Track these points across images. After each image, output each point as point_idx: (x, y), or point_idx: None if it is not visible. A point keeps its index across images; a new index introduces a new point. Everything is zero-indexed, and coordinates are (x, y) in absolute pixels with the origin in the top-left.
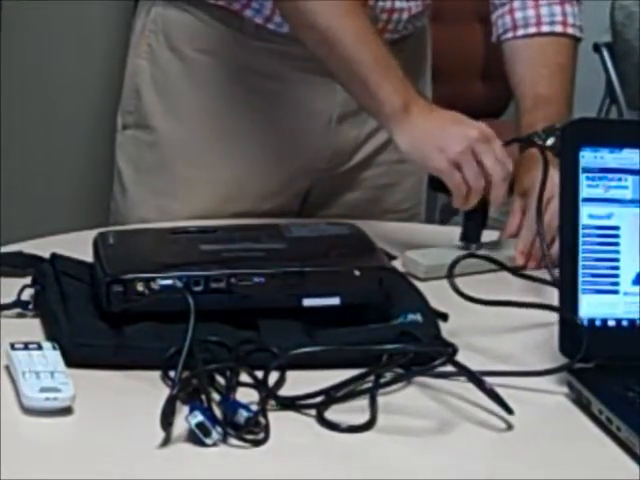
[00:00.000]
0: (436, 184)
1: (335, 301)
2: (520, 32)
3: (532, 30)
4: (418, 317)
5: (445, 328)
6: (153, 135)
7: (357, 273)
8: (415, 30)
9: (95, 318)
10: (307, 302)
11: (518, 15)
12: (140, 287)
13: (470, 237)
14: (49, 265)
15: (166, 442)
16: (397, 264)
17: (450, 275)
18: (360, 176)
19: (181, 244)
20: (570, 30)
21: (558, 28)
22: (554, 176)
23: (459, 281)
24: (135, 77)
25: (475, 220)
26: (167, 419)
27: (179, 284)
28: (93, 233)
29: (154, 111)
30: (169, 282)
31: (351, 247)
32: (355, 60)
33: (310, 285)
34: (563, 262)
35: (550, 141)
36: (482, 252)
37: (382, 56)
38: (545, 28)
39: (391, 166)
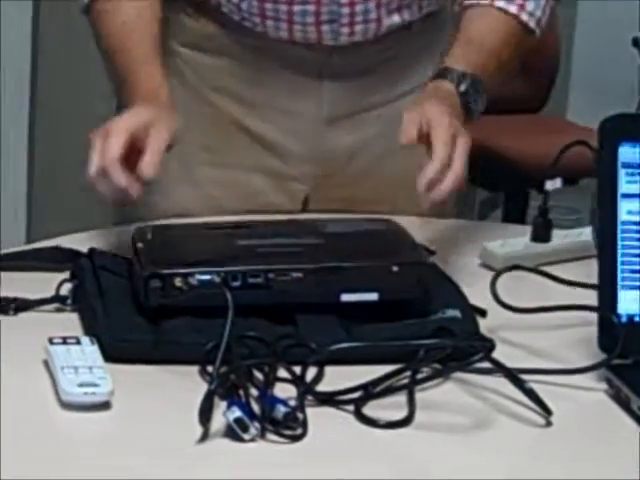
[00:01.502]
0: (473, 177)
1: (373, 297)
2: (474, 0)
3: (485, 1)
4: (457, 313)
5: (484, 324)
6: None
7: (395, 269)
8: (440, 8)
9: (133, 313)
10: (345, 297)
11: None
12: (178, 282)
13: (541, 238)
14: (87, 260)
15: (204, 438)
16: (474, 256)
17: (494, 280)
18: (365, 183)
19: (218, 239)
20: (524, 17)
21: (513, 9)
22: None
23: (512, 274)
24: None
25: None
26: (205, 415)
27: (217, 279)
28: (130, 228)
29: None
30: (207, 277)
31: (390, 242)
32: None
33: (348, 280)
34: (602, 258)
35: (463, 86)
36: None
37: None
38: (500, 3)
39: (397, 172)
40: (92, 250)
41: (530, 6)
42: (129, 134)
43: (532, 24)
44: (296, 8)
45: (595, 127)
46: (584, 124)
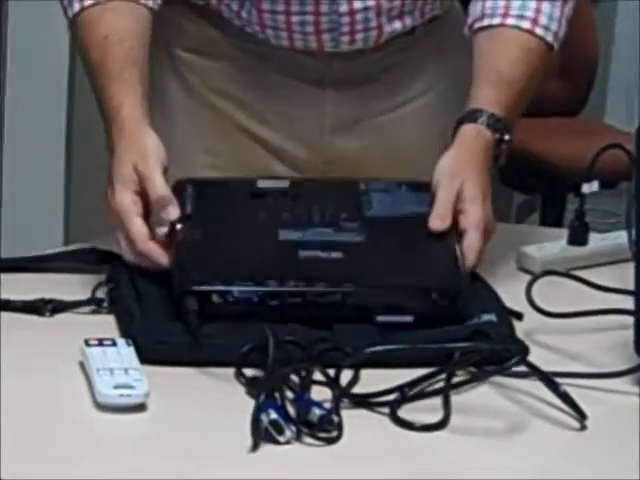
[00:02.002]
0: (510, 180)
1: (408, 319)
2: (485, 22)
3: (497, 21)
4: (492, 317)
5: (520, 327)
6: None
7: (435, 296)
8: (444, 12)
9: (169, 316)
10: (380, 319)
11: (488, 4)
12: (215, 298)
13: (578, 241)
14: (124, 261)
15: (255, 448)
16: (510, 260)
17: (530, 284)
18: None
19: (259, 230)
20: (539, 31)
21: (525, 24)
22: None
23: (547, 278)
24: None
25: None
26: (257, 425)
27: (255, 299)
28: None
29: None
30: (245, 296)
31: (431, 246)
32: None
33: (385, 303)
34: (638, 261)
35: (507, 136)
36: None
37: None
38: (511, 21)
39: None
40: None
41: (543, 20)
42: (138, 206)
43: (549, 38)
44: (294, 18)
45: (633, 130)
46: (622, 127)
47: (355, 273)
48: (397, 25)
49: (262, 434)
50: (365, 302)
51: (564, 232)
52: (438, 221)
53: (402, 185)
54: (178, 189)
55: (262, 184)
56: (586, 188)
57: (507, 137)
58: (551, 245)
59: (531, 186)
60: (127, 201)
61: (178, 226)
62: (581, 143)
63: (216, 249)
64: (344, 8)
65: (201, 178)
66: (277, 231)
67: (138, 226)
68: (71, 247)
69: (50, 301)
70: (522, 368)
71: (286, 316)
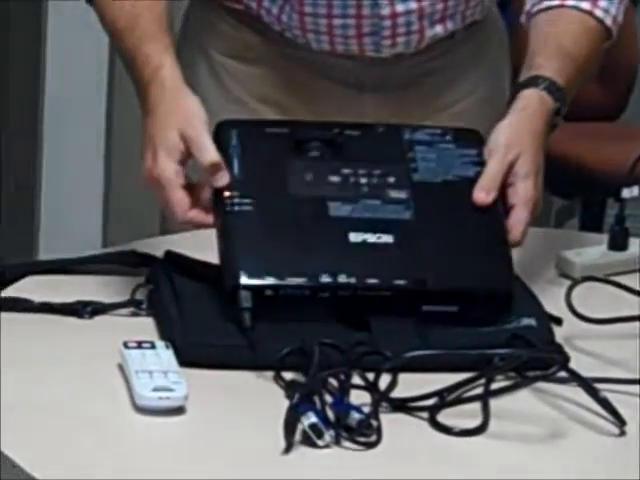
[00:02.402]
0: (549, 185)
1: (453, 309)
2: (544, 4)
3: (556, 2)
4: (532, 321)
5: (559, 333)
6: None
7: (483, 297)
8: (483, 17)
9: (209, 316)
10: (426, 308)
11: None
12: (268, 292)
13: (618, 246)
14: (163, 264)
15: (288, 449)
16: (550, 264)
17: (569, 290)
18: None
19: (309, 201)
20: (598, 13)
21: (585, 5)
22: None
23: (587, 283)
24: None
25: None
26: (290, 428)
27: (307, 292)
28: (207, 232)
29: None
30: (297, 291)
31: (480, 230)
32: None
33: (432, 296)
34: None
35: (557, 103)
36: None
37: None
38: (570, 1)
39: None
40: (168, 253)
41: (603, 3)
42: (180, 177)
43: (608, 22)
44: (336, 22)
45: None
46: None
47: (405, 264)
48: (438, 29)
49: (294, 437)
50: (414, 295)
51: (604, 237)
52: (483, 194)
53: (447, 134)
54: (221, 133)
55: (305, 132)
56: (626, 193)
57: (565, 109)
58: (591, 250)
59: (570, 191)
60: (170, 172)
61: (226, 193)
62: (621, 148)
63: (265, 228)
64: (386, 11)
65: (243, 120)
66: (327, 204)
67: (179, 198)
68: (110, 249)
69: (89, 303)
70: (562, 374)
71: (335, 307)
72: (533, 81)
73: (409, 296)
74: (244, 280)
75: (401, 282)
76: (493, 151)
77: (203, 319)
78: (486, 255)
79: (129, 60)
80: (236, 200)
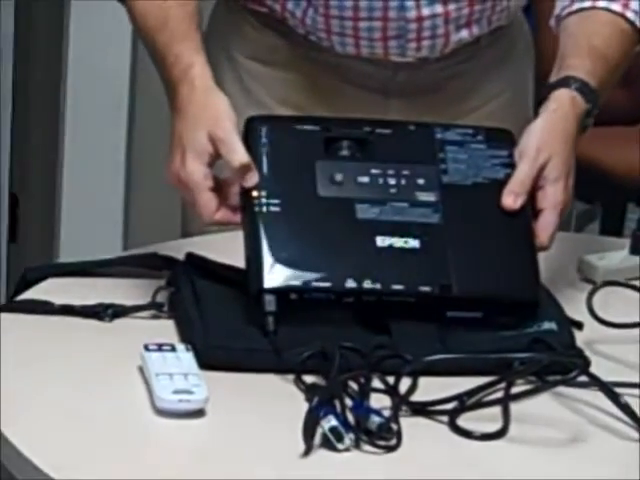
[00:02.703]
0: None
1: (477, 315)
2: (575, 6)
3: (587, 3)
4: (553, 325)
5: (580, 337)
6: None
7: (506, 301)
8: (509, 22)
9: (230, 319)
10: (450, 314)
11: None
12: (293, 296)
13: (639, 250)
14: (183, 266)
15: (307, 452)
16: (571, 268)
17: (591, 295)
18: None
19: (336, 202)
20: (630, 15)
21: (616, 7)
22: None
23: (609, 288)
24: None
25: None
26: (309, 431)
27: (332, 297)
28: (227, 235)
29: None
30: (322, 296)
31: (508, 236)
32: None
33: (458, 303)
34: None
35: (596, 110)
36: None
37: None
38: (601, 3)
39: None
40: (189, 256)
41: (634, 5)
42: (208, 180)
43: (639, 23)
44: (362, 24)
45: None
46: None
47: (430, 269)
48: (464, 34)
49: (313, 439)
50: (438, 303)
51: (624, 242)
52: (511, 198)
53: (478, 134)
54: (251, 130)
55: (336, 130)
56: None
57: (596, 111)
58: (613, 254)
59: (591, 195)
60: (199, 175)
61: (254, 193)
62: None
63: (292, 230)
64: (412, 14)
65: (273, 117)
66: (354, 206)
67: (207, 200)
68: (131, 252)
69: (110, 306)
70: (582, 378)
71: (358, 312)
72: (565, 82)
73: (434, 302)
74: (269, 284)
75: (426, 288)
76: (524, 154)
77: (224, 322)
78: (513, 262)
79: (159, 58)
80: (264, 200)
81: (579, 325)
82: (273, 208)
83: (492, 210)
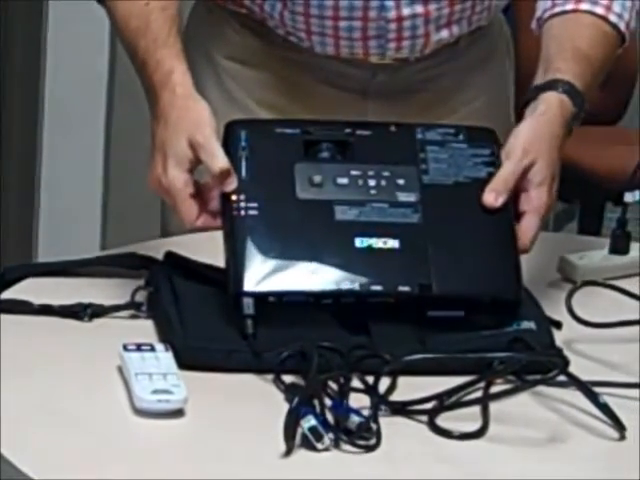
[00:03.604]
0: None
1: (459, 314)
2: (557, 9)
3: (570, 6)
4: (532, 325)
5: (560, 336)
6: None
7: (489, 304)
8: (488, 22)
9: (209, 319)
10: (431, 314)
11: None
12: (271, 299)
13: (619, 250)
14: (162, 266)
15: (288, 453)
16: (551, 268)
17: (570, 294)
18: None
19: (315, 205)
20: (613, 18)
21: (599, 10)
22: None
23: (589, 288)
24: None
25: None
26: (290, 431)
27: (311, 299)
28: (206, 235)
29: None
30: (301, 298)
31: (488, 234)
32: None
33: (438, 303)
34: None
35: (576, 108)
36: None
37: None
38: (584, 6)
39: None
40: (168, 254)
41: (617, 7)
42: (189, 187)
43: (622, 27)
44: (342, 24)
45: None
46: None
47: (410, 269)
48: (444, 34)
49: (294, 439)
50: (419, 301)
51: (604, 241)
52: (492, 196)
53: (460, 133)
54: (231, 134)
55: (316, 133)
56: (629, 197)
57: (582, 114)
58: (593, 254)
59: (570, 194)
60: (180, 182)
61: (233, 197)
62: (620, 152)
63: (271, 233)
64: (392, 14)
65: (252, 120)
66: (333, 207)
67: (188, 207)
68: (110, 252)
69: (89, 305)
70: (562, 377)
71: (337, 314)
72: (553, 85)
73: (414, 302)
74: (247, 287)
75: (406, 288)
76: (510, 153)
77: (203, 323)
78: (494, 261)
79: (139, 63)
80: (242, 204)
81: (558, 324)
82: (251, 212)
83: (474, 209)
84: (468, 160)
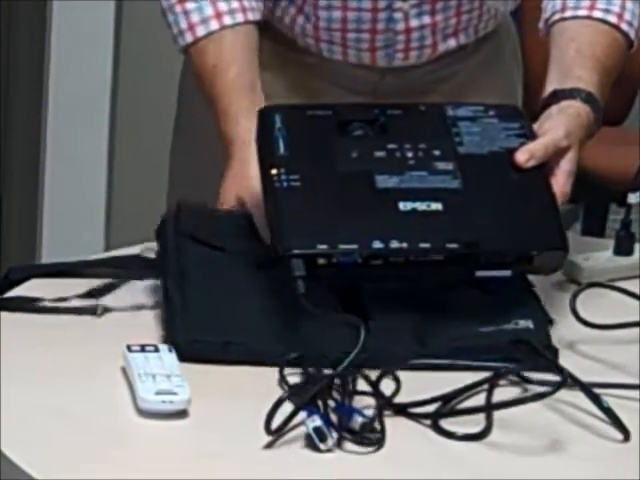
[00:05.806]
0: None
1: (507, 273)
2: (568, 13)
3: (583, 12)
4: (530, 324)
5: (563, 337)
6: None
7: (535, 252)
8: (496, 27)
9: (213, 309)
10: (479, 274)
11: None
12: (321, 260)
13: (624, 251)
14: (172, 226)
15: (270, 445)
16: None
17: (574, 296)
18: None
19: (355, 175)
20: (624, 27)
21: (612, 18)
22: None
23: (593, 289)
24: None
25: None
26: (270, 423)
27: (360, 260)
28: None
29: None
30: (350, 259)
31: (526, 193)
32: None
33: (486, 259)
34: None
35: (599, 119)
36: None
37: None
38: (598, 14)
39: None
40: (179, 206)
41: (628, 16)
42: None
43: (632, 35)
44: (350, 35)
45: None
46: None
47: (456, 228)
48: (451, 43)
49: (277, 435)
50: (467, 261)
51: (608, 242)
52: (525, 156)
53: (489, 110)
54: (264, 119)
55: (347, 114)
56: (633, 198)
57: (599, 124)
58: (597, 255)
59: (573, 195)
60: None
61: (273, 171)
62: (624, 153)
63: (314, 201)
64: (400, 26)
65: (285, 105)
66: (374, 177)
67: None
68: (114, 253)
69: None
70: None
71: (387, 275)
72: (575, 93)
73: (462, 259)
74: (296, 249)
75: (454, 245)
76: (551, 130)
77: (206, 313)
78: (536, 216)
79: (210, 98)
80: (283, 177)
81: (550, 322)
82: (293, 183)
83: (511, 175)
84: (500, 133)
